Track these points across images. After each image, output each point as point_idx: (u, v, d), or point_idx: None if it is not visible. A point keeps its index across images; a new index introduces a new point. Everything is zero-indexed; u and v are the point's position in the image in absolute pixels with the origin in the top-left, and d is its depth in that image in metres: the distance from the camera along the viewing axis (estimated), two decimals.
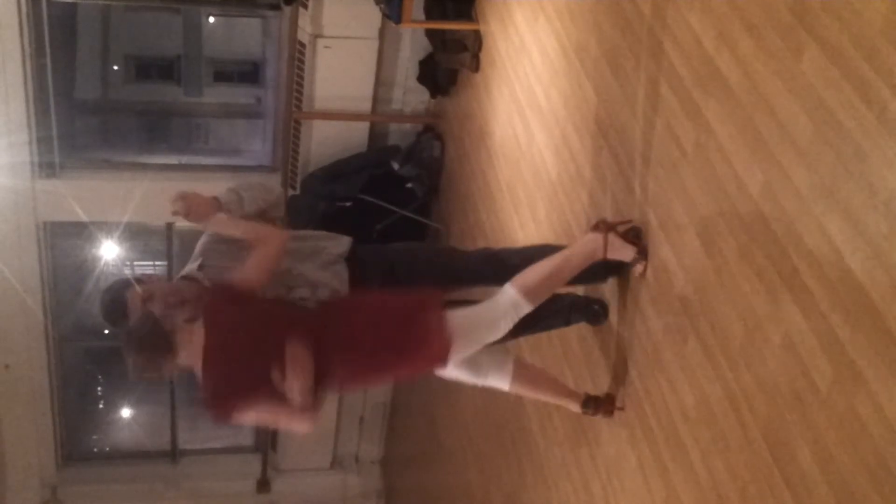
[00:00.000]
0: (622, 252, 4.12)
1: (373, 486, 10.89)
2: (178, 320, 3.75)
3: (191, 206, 3.99)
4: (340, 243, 4.27)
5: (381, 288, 4.23)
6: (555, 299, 4.35)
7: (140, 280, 4.00)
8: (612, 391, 4.48)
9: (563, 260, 4.08)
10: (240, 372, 3.69)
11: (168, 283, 4.09)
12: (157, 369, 3.74)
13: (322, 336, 3.72)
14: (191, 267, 4.13)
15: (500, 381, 4.28)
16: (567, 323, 4.66)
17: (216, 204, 4.05)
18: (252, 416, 3.84)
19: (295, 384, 3.58)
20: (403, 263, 4.37)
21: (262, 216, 4.17)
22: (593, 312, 4.57)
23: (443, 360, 3.87)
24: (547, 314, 4.42)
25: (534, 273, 4.01)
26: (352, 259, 4.23)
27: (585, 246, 4.11)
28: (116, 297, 3.97)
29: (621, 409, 4.39)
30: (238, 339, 3.69)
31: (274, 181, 4.23)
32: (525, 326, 4.20)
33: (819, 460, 2.99)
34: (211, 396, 3.71)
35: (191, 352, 3.71)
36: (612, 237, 4.09)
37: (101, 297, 4.07)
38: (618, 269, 4.33)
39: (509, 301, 3.94)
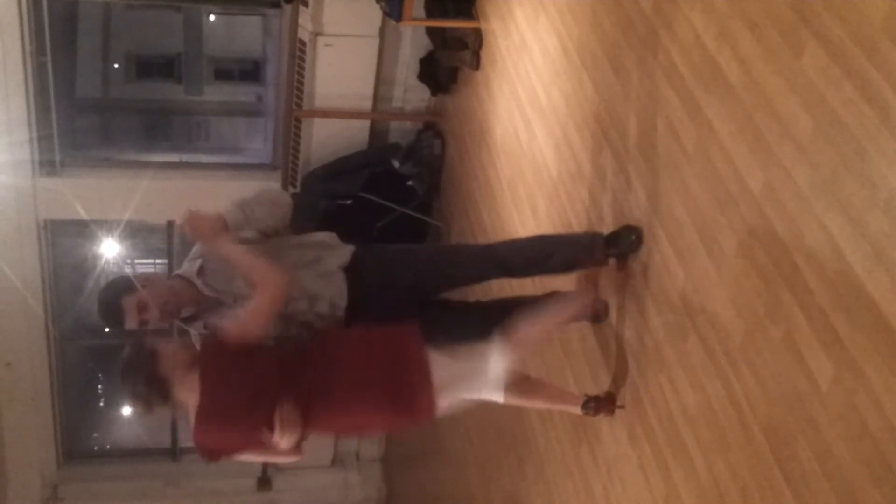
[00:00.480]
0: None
1: (373, 485, 10.88)
2: (174, 373, 3.77)
3: (195, 227, 3.92)
4: (341, 254, 4.23)
5: (379, 295, 4.23)
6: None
7: (137, 279, 3.97)
8: (613, 390, 4.47)
9: (553, 319, 4.29)
10: (232, 427, 3.77)
11: (163, 285, 4.02)
12: (153, 412, 3.86)
13: (309, 393, 3.80)
14: (190, 267, 4.09)
15: (494, 395, 4.21)
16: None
17: (222, 224, 3.96)
18: (241, 456, 3.93)
19: (283, 442, 3.67)
20: (402, 264, 4.36)
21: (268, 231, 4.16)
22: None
23: (429, 418, 3.93)
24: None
25: (525, 330, 4.07)
26: (352, 268, 4.20)
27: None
28: (112, 302, 3.94)
29: (622, 407, 4.39)
30: (231, 397, 3.73)
31: (282, 191, 4.12)
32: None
33: (820, 458, 2.99)
34: (202, 445, 3.82)
35: (186, 398, 3.79)
36: None
37: (99, 297, 4.03)
38: (617, 245, 4.33)
39: (497, 355, 4.00)
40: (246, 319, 3.74)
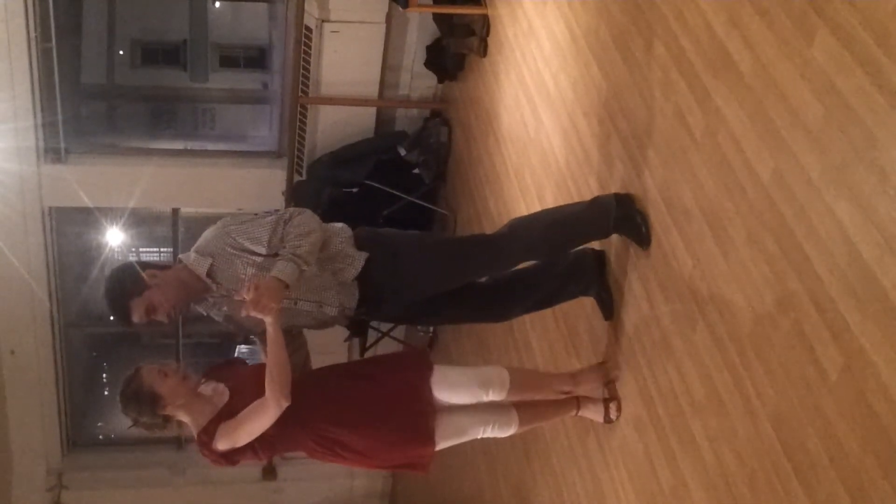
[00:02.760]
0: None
1: (378, 474, 10.88)
2: (175, 406, 3.92)
3: (261, 303, 3.64)
4: (356, 265, 4.15)
5: (391, 297, 4.25)
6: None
7: (147, 275, 3.89)
8: (614, 377, 4.49)
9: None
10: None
11: (172, 283, 3.94)
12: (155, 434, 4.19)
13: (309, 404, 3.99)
14: (199, 264, 3.97)
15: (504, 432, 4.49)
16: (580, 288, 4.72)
17: (283, 290, 3.74)
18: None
19: (252, 306, 3.66)
20: (408, 255, 4.27)
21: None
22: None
23: (424, 466, 4.38)
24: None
25: (526, 388, 4.42)
26: (364, 274, 4.15)
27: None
28: (121, 303, 3.91)
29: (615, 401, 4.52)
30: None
31: (313, 217, 3.96)
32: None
33: (828, 448, 2.97)
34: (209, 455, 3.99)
35: (190, 422, 3.99)
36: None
37: (106, 290, 3.98)
38: (625, 226, 4.33)
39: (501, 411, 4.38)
40: (240, 432, 3.85)
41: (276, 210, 4.18)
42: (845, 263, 2.87)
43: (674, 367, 3.96)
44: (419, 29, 7.97)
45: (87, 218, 9.27)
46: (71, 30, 9.59)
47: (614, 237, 4.48)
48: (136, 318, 3.89)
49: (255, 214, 4.09)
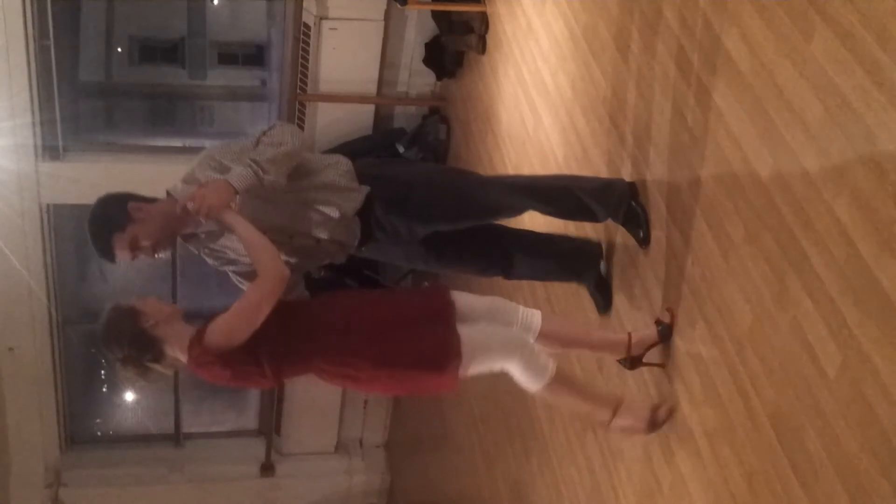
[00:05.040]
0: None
1: (377, 471, 10.89)
2: (161, 328, 3.60)
3: (204, 202, 3.55)
4: (355, 198, 4.00)
5: (392, 238, 4.13)
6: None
7: (131, 207, 3.75)
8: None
9: (586, 333, 4.20)
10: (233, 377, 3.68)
11: (158, 216, 3.75)
12: (148, 376, 3.68)
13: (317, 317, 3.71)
14: (186, 190, 3.78)
15: (533, 377, 3.81)
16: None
17: (231, 194, 3.61)
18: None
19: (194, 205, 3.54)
20: (415, 190, 4.14)
21: None
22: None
23: (455, 379, 3.69)
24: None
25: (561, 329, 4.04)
26: (364, 211, 4.02)
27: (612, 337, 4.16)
28: (103, 238, 3.75)
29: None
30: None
31: (295, 129, 3.72)
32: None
33: (827, 446, 2.97)
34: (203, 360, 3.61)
35: (179, 354, 3.64)
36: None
37: (89, 222, 3.82)
38: (630, 220, 4.30)
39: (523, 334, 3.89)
40: (235, 318, 3.52)
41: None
42: (844, 261, 2.87)
43: (672, 364, 3.96)
44: (418, 26, 7.96)
45: (86, 215, 9.25)
46: (69, 27, 9.57)
47: (617, 236, 4.47)
48: (119, 254, 3.74)
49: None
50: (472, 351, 3.66)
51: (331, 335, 3.67)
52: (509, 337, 3.81)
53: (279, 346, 3.60)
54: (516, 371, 3.77)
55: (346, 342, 3.67)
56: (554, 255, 4.60)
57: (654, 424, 3.97)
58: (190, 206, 3.55)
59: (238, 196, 3.65)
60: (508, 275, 4.60)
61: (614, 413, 3.91)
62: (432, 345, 3.66)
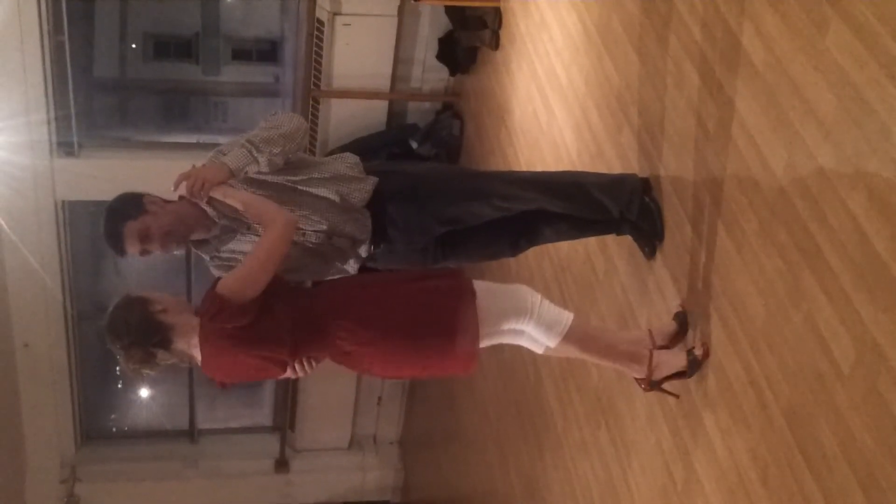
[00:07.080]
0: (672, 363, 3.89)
1: (391, 467, 10.91)
2: (168, 316, 3.56)
3: (197, 180, 3.61)
4: (363, 188, 4.00)
5: (403, 230, 4.09)
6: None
7: (145, 201, 3.78)
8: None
9: (604, 338, 3.95)
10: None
11: (170, 212, 3.79)
12: (155, 365, 3.64)
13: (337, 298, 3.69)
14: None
15: (546, 332, 3.74)
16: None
17: (225, 173, 3.66)
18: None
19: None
20: (428, 189, 4.12)
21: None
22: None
23: (473, 358, 3.64)
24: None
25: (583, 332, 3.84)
26: (374, 205, 4.01)
27: (632, 345, 3.91)
28: (115, 227, 3.76)
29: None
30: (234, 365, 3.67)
31: (293, 115, 3.72)
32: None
33: (841, 441, 2.96)
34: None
35: (186, 347, 3.63)
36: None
37: (105, 214, 3.82)
38: (643, 215, 4.23)
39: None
40: (247, 271, 3.49)
41: None
42: (858, 256, 2.86)
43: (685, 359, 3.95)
44: (431, 22, 7.96)
45: (101, 211, 9.27)
46: (84, 23, 9.60)
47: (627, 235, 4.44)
48: (129, 244, 3.75)
49: None
50: (486, 307, 3.62)
51: (353, 306, 3.64)
52: (517, 292, 3.76)
53: (303, 315, 3.60)
54: (531, 329, 3.72)
55: (365, 312, 3.64)
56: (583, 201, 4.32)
57: (694, 365, 3.82)
58: (185, 183, 3.61)
59: (236, 178, 3.71)
60: (521, 243, 4.47)
61: (649, 368, 3.83)
62: (448, 306, 3.62)
